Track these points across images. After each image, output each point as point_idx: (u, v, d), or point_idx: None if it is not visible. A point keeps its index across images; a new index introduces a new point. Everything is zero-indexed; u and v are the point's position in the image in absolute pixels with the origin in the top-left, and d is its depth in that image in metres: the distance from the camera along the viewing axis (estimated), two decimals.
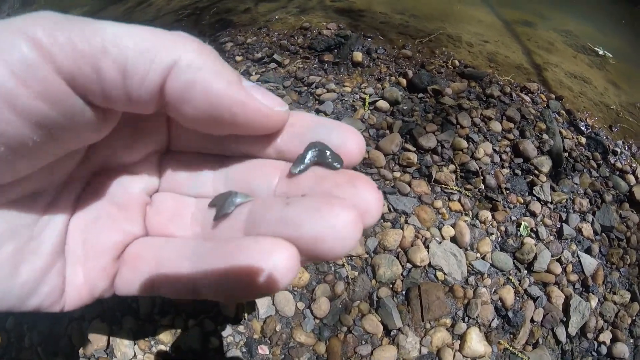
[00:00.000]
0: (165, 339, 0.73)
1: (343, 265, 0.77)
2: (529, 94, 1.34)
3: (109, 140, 0.22)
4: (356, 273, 0.76)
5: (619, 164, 1.24)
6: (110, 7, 2.44)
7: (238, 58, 1.41)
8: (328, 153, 0.21)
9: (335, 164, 0.21)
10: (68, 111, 0.17)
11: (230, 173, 0.24)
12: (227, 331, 0.74)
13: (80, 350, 0.76)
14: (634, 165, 1.27)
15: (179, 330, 0.75)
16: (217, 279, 0.19)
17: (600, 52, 1.85)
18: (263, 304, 0.74)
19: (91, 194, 0.23)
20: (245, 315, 0.75)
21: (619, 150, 1.29)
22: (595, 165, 1.19)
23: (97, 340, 0.74)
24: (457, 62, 1.41)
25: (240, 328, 0.73)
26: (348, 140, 0.22)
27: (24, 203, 0.20)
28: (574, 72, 1.65)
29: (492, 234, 0.86)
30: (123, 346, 0.73)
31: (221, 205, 0.22)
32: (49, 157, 0.19)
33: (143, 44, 0.18)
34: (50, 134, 0.17)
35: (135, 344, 0.74)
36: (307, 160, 0.21)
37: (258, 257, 0.17)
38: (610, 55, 1.85)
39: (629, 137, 1.39)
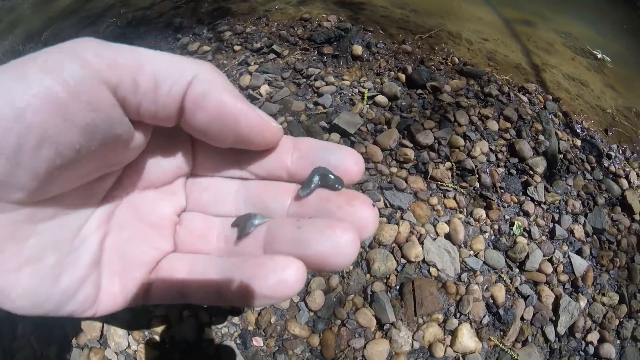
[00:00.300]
0: (160, 330, 0.73)
1: None
2: (527, 95, 1.35)
3: (142, 162, 0.25)
4: (351, 267, 0.77)
5: (612, 168, 1.25)
6: None
7: (237, 47, 1.40)
8: (331, 176, 0.24)
9: (337, 185, 0.24)
10: (109, 118, 0.20)
11: (249, 195, 0.27)
12: (222, 323, 0.74)
13: (74, 340, 0.76)
14: (627, 169, 1.28)
15: (173, 321, 0.75)
16: (241, 289, 0.22)
17: (599, 56, 1.86)
18: None
19: (126, 213, 0.26)
20: (241, 307, 0.76)
21: (613, 154, 1.31)
22: (589, 168, 1.21)
23: (91, 330, 0.74)
24: (456, 60, 1.41)
25: (235, 320, 0.74)
26: (348, 160, 0.25)
27: (66, 219, 0.22)
28: (572, 74, 1.66)
29: (485, 232, 0.87)
30: (117, 336, 0.73)
31: (243, 226, 0.25)
32: (91, 171, 0.22)
33: (171, 61, 0.22)
34: (93, 141, 0.19)
35: (129, 334, 0.74)
36: (312, 185, 0.24)
37: (274, 272, 0.21)
38: (609, 59, 1.86)
39: (624, 141, 1.41)
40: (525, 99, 1.32)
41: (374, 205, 0.24)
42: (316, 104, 1.13)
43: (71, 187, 0.22)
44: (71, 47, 0.19)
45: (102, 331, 0.75)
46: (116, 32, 1.88)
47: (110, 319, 0.76)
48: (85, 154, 0.20)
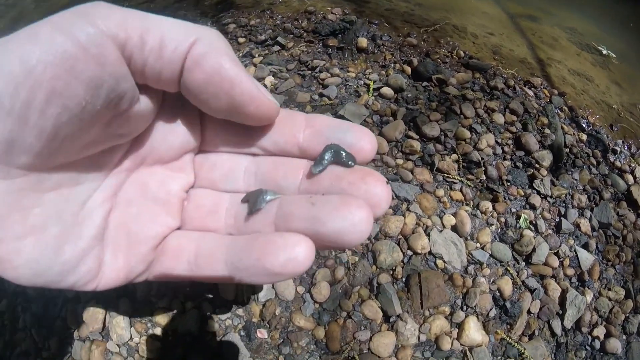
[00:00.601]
0: (162, 322, 0.73)
1: (344, 251, 0.77)
2: (532, 88, 1.34)
3: (149, 137, 0.25)
4: (357, 258, 0.76)
5: (618, 163, 1.24)
6: None
7: (241, 40, 1.39)
8: (343, 153, 0.24)
9: (349, 162, 0.24)
10: (115, 72, 0.20)
11: (259, 171, 0.27)
12: (226, 314, 0.73)
13: (75, 333, 0.75)
14: (633, 165, 1.27)
15: (176, 313, 0.74)
16: (251, 267, 0.22)
17: (604, 52, 1.85)
18: (263, 287, 0.73)
19: (133, 189, 0.26)
20: (245, 298, 0.75)
21: (618, 149, 1.29)
22: (595, 163, 1.20)
23: (93, 322, 0.73)
24: (462, 53, 1.40)
25: (239, 311, 0.73)
26: (362, 139, 0.25)
27: (71, 191, 0.22)
28: (577, 69, 1.65)
29: (492, 224, 0.86)
30: (119, 328, 0.72)
31: (254, 202, 0.25)
32: (96, 140, 0.22)
33: (178, 24, 0.23)
34: (98, 98, 0.20)
35: (131, 326, 0.73)
36: (325, 161, 0.23)
37: (284, 249, 0.21)
38: (614, 56, 1.85)
39: (629, 137, 1.39)
40: (531, 92, 1.31)
41: (387, 183, 0.24)
42: (321, 95, 1.11)
43: (77, 156, 0.22)
44: (83, 9, 0.20)
45: (104, 323, 0.74)
46: None
47: (113, 310, 0.75)
48: (91, 113, 0.20)
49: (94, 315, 0.73)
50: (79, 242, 0.23)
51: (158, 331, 0.74)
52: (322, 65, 1.22)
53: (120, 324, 0.73)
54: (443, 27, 1.57)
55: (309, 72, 1.20)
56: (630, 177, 1.22)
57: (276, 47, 1.32)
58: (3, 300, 0.83)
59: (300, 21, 1.47)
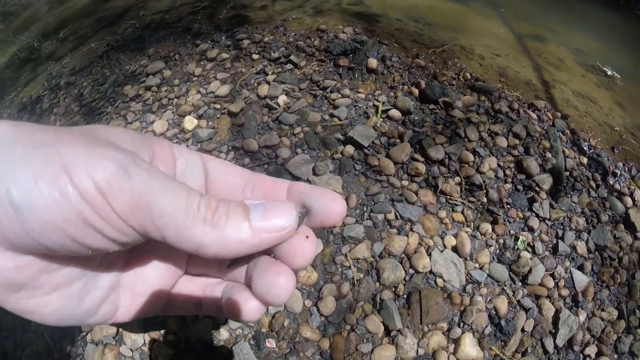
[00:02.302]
0: (175, 329, 0.79)
1: (350, 267, 0.83)
2: (536, 111, 1.40)
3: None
4: (362, 275, 0.82)
5: (617, 186, 1.29)
6: None
7: (255, 56, 1.46)
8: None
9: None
10: (126, 237, 0.23)
11: None
12: (237, 324, 0.80)
13: (89, 336, 0.81)
14: (632, 187, 1.32)
15: (189, 321, 0.80)
16: (230, 307, 0.28)
17: (609, 72, 1.90)
18: None
19: (145, 250, 0.31)
20: None
21: (618, 172, 1.34)
22: (594, 186, 1.25)
23: (107, 327, 0.79)
24: (468, 75, 1.46)
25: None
26: (332, 206, 0.28)
27: (91, 259, 0.27)
28: (581, 91, 1.70)
29: (491, 246, 0.92)
30: (133, 333, 0.79)
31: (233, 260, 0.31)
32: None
33: (179, 231, 0.24)
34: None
35: (145, 332, 0.80)
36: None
37: (249, 300, 0.27)
38: (619, 76, 1.89)
39: (630, 159, 1.44)
40: (534, 115, 1.37)
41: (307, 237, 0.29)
42: (332, 115, 1.18)
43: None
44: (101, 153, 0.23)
45: (118, 328, 0.80)
46: (134, 35, 1.94)
47: None
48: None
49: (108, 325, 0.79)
50: (97, 292, 0.27)
51: (171, 338, 0.80)
52: (333, 85, 1.29)
53: (134, 330, 0.79)
54: (451, 48, 1.63)
55: (321, 91, 1.27)
56: (629, 200, 1.27)
57: (289, 66, 1.39)
58: None
59: (312, 39, 1.54)
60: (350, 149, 1.07)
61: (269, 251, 0.29)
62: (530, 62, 1.77)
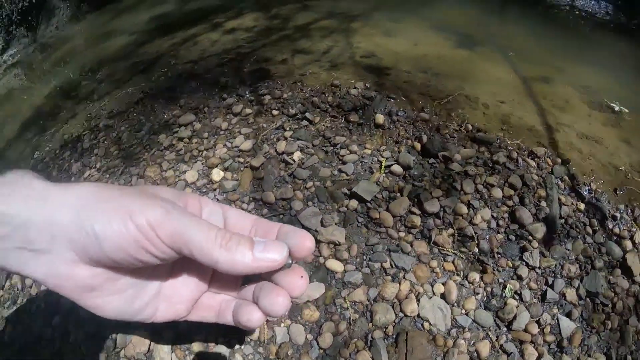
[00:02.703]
0: (198, 351, 0.96)
1: (347, 309, 0.99)
2: (535, 159, 1.51)
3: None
4: (357, 316, 0.97)
5: (616, 229, 1.35)
6: (157, 41, 2.78)
7: (275, 112, 1.66)
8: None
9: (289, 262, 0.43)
10: (167, 255, 0.39)
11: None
12: (249, 350, 0.96)
13: (122, 352, 0.98)
14: (634, 230, 1.37)
15: (210, 345, 0.97)
16: (239, 316, 0.46)
17: (616, 108, 1.93)
18: (280, 332, 0.96)
19: (180, 268, 0.48)
20: (265, 339, 0.97)
21: (619, 215, 1.39)
22: (590, 232, 1.34)
23: (140, 345, 0.97)
24: (470, 126, 1.61)
25: (260, 349, 0.95)
26: (303, 243, 0.43)
27: (142, 272, 0.43)
28: (586, 131, 1.77)
29: (478, 293, 1.05)
30: (163, 352, 0.96)
31: (246, 280, 0.48)
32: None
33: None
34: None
35: (172, 352, 0.97)
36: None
37: (255, 312, 0.45)
38: (627, 111, 1.93)
39: (634, 199, 1.48)
40: (533, 163, 1.49)
41: (302, 277, 0.44)
42: (340, 171, 1.36)
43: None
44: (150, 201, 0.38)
45: (149, 347, 0.97)
46: (167, 84, 2.18)
47: (158, 337, 0.98)
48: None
49: (141, 340, 0.96)
50: (144, 297, 0.44)
51: (194, 358, 0.97)
52: (342, 141, 1.47)
53: (163, 349, 0.96)
54: (456, 99, 1.79)
55: (331, 148, 1.45)
56: (628, 243, 1.31)
57: (305, 122, 1.58)
58: (56, 317, 1.10)
59: (326, 95, 1.73)
60: (354, 203, 1.24)
61: (269, 278, 0.43)
62: (534, 107, 1.89)
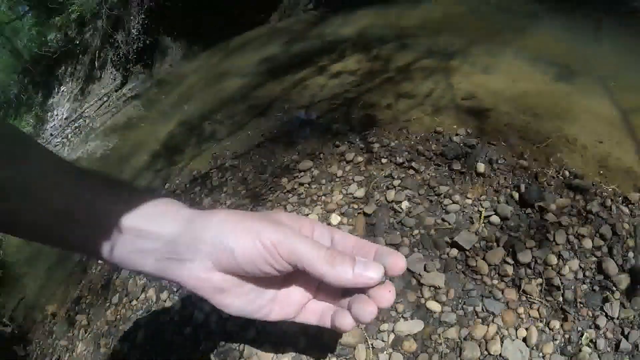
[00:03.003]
0: None
1: (441, 344, 1.37)
2: (629, 205, 1.73)
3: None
4: (448, 351, 1.35)
5: None
6: (268, 84, 3.31)
7: (384, 160, 2.07)
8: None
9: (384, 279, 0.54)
10: (285, 268, 0.51)
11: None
12: None
13: None
14: None
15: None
16: (335, 320, 0.58)
17: None
18: (383, 358, 1.36)
19: (292, 279, 0.60)
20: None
21: None
22: None
23: (264, 357, 1.42)
24: (567, 173, 1.88)
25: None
26: (397, 263, 0.55)
27: (262, 280, 0.54)
28: None
29: (556, 339, 1.37)
30: None
31: (344, 294, 0.59)
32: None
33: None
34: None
35: None
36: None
37: (343, 319, 0.56)
38: None
39: None
40: (626, 210, 1.71)
41: (390, 292, 0.53)
42: (443, 220, 1.73)
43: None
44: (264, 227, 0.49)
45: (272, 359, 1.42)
46: (283, 128, 2.66)
47: (280, 354, 1.41)
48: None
49: (265, 354, 1.41)
50: (262, 301, 0.54)
51: None
52: (446, 191, 1.83)
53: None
54: (554, 141, 2.05)
55: (435, 197, 1.83)
56: None
57: (411, 171, 1.97)
58: (188, 328, 1.63)
59: (430, 142, 2.10)
60: (454, 251, 1.60)
61: (363, 291, 0.53)
62: (633, 144, 2.06)
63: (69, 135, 5.21)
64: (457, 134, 2.11)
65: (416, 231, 1.72)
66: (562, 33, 2.96)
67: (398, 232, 1.74)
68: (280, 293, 0.58)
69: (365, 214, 1.85)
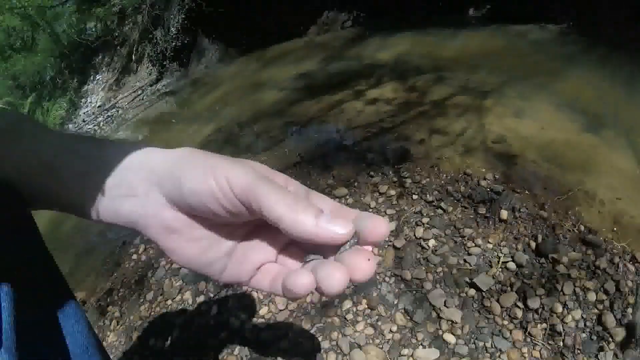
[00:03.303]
0: None
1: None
2: (636, 264, 2.05)
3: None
4: None
5: None
6: (305, 102, 3.65)
7: (415, 196, 2.41)
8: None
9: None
10: (237, 208, 0.44)
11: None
12: None
13: None
14: None
15: None
16: (286, 290, 0.47)
17: None
18: None
19: (255, 234, 0.53)
20: None
21: None
22: None
23: None
24: (582, 227, 2.20)
25: None
26: (376, 226, 0.46)
27: (220, 229, 0.50)
28: None
29: None
30: None
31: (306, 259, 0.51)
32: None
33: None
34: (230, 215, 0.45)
35: None
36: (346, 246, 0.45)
37: (296, 277, 0.44)
38: None
39: None
40: (632, 268, 2.02)
41: (368, 260, 0.45)
42: (465, 261, 2.07)
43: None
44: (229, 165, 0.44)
45: None
46: (319, 151, 2.99)
47: None
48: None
49: None
50: (216, 253, 0.50)
51: None
52: (470, 234, 2.17)
53: None
54: (575, 195, 2.38)
55: (460, 239, 2.17)
56: None
57: (440, 211, 2.31)
58: (223, 333, 1.98)
59: (459, 184, 2.44)
60: (472, 291, 1.95)
61: (330, 252, 0.47)
62: None
63: (101, 124, 5.65)
64: (485, 178, 2.44)
65: (440, 269, 2.07)
66: (595, 79, 3.25)
67: (423, 268, 2.09)
68: (238, 248, 0.52)
69: (394, 247, 2.20)
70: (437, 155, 2.67)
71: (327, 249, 0.47)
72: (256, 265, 0.53)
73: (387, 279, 2.10)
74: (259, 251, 0.52)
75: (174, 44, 5.30)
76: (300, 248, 0.52)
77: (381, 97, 3.37)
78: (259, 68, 4.84)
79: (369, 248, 0.47)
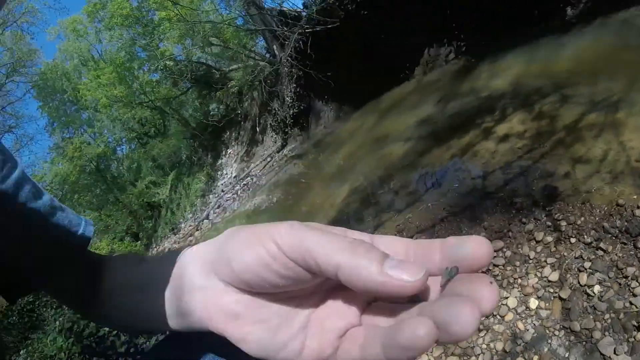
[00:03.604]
0: None
1: None
2: None
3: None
4: None
5: None
6: (434, 150, 3.95)
7: (572, 240, 2.64)
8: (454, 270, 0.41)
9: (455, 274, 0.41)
10: (294, 272, 0.41)
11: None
12: None
13: None
14: None
15: None
16: (395, 349, 0.38)
17: None
18: None
19: (328, 299, 0.48)
20: None
21: None
22: None
23: None
24: None
25: None
26: (477, 249, 0.40)
27: (289, 302, 0.46)
28: None
29: None
30: None
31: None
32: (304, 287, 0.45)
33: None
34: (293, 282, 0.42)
35: None
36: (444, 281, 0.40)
37: (410, 329, 0.36)
38: None
39: None
40: None
41: (491, 283, 0.37)
42: (631, 303, 2.28)
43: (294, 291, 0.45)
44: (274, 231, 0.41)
45: None
46: (464, 202, 3.23)
47: None
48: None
49: None
50: (289, 330, 0.45)
51: None
52: (632, 273, 2.37)
53: None
54: None
55: (624, 280, 2.38)
56: None
57: (600, 252, 2.53)
58: None
59: (614, 218, 2.63)
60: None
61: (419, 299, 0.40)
62: None
63: (239, 192, 6.52)
64: (638, 207, 2.60)
65: (607, 315, 2.29)
66: None
67: (591, 317, 2.33)
68: (312, 319, 0.47)
69: (560, 298, 2.46)
70: (585, 188, 2.84)
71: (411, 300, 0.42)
72: (339, 334, 0.46)
73: (556, 332, 2.34)
74: (338, 316, 0.47)
75: (291, 111, 5.97)
76: (388, 301, 0.46)
77: (511, 131, 3.54)
78: (377, 121, 5.20)
79: (482, 274, 0.41)
